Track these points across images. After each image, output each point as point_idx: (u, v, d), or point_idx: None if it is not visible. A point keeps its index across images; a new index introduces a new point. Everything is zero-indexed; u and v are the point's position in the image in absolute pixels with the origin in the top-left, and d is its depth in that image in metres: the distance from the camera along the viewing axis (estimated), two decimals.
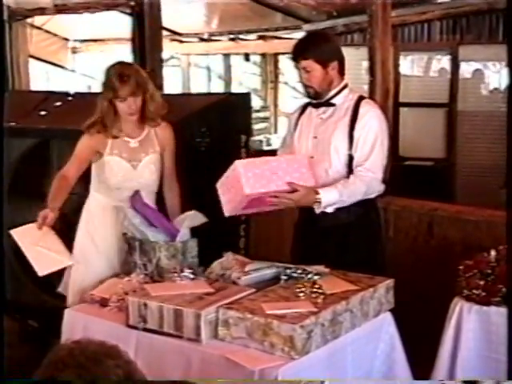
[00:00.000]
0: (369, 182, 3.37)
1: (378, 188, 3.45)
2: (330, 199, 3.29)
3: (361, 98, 3.49)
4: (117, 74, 3.43)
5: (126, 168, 3.50)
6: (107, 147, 3.50)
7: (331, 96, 3.47)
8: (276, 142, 8.46)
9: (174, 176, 3.64)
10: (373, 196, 3.46)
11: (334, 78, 3.48)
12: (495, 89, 7.00)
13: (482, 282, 2.98)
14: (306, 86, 3.52)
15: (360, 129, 3.40)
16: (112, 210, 3.50)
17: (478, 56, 6.85)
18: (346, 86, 3.52)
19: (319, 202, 3.27)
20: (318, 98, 3.50)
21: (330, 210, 3.34)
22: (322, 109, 3.51)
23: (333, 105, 3.49)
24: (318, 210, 3.33)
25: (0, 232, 4.18)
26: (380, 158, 3.43)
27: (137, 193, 3.37)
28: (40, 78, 9.11)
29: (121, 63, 3.61)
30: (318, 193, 3.26)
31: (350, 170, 3.42)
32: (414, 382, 3.10)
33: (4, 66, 6.34)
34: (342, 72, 3.52)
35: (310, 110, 3.57)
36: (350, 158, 3.42)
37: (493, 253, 3.10)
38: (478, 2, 7.41)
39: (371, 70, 4.18)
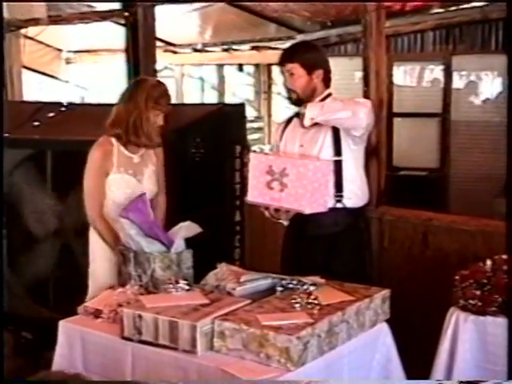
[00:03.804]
0: (352, 109, 3.35)
1: (362, 110, 3.38)
2: (311, 111, 3.33)
3: None
4: (163, 89, 3.57)
5: (134, 183, 3.55)
6: (114, 166, 3.52)
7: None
8: None
9: (164, 189, 3.68)
10: (357, 133, 3.45)
11: (317, 85, 3.56)
12: (488, 99, 7.02)
13: (477, 292, 2.98)
14: (289, 91, 3.61)
15: None
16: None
17: (471, 66, 6.87)
18: (329, 95, 3.57)
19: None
20: (300, 105, 3.54)
21: (313, 120, 3.35)
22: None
23: None
24: (306, 123, 3.38)
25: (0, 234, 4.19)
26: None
27: (137, 199, 3.33)
28: (33, 89, 9.08)
29: (156, 80, 3.82)
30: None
31: (336, 174, 3.44)
32: (411, 382, 3.09)
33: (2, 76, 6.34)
34: (326, 82, 3.60)
35: (295, 120, 3.62)
36: (336, 164, 3.45)
37: (488, 262, 3.09)
38: (471, 12, 7.44)
39: (365, 80, 4.18)
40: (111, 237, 3.44)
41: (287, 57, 3.61)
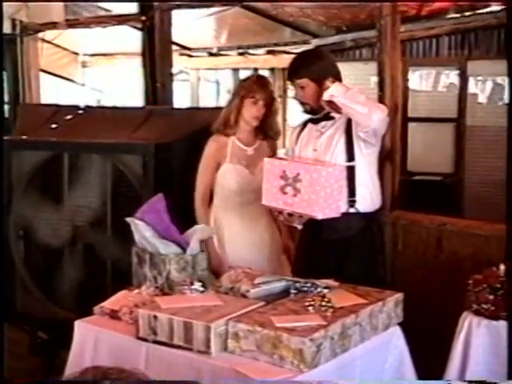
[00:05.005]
0: (369, 108, 3.33)
1: (377, 114, 3.35)
2: (335, 89, 3.31)
3: None
4: (256, 79, 3.97)
5: (245, 173, 3.85)
6: (227, 157, 3.84)
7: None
8: None
9: None
10: (362, 132, 3.42)
11: None
12: (503, 104, 7.00)
13: (491, 297, 2.98)
14: (302, 103, 3.60)
15: None
16: (234, 211, 3.86)
17: (486, 71, 6.86)
18: None
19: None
20: (315, 114, 3.55)
21: (332, 97, 3.32)
22: (322, 123, 3.57)
23: (332, 118, 3.54)
24: (324, 97, 3.35)
25: (0, 235, 4.22)
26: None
27: (153, 201, 3.36)
28: (50, 92, 9.15)
29: (260, 75, 4.21)
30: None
31: (349, 180, 3.44)
32: (422, 382, 3.10)
33: (2, 78, 6.40)
34: None
35: (310, 125, 3.63)
36: (349, 169, 3.45)
37: (502, 267, 3.10)
38: (487, 17, 7.42)
39: (380, 85, 4.19)
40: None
41: (294, 72, 3.59)
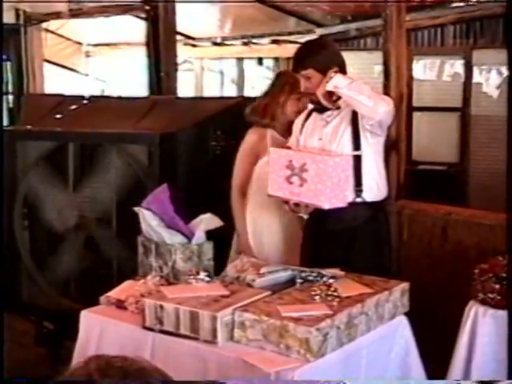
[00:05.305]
0: (375, 100, 3.31)
1: (383, 106, 3.33)
2: (339, 80, 3.31)
3: None
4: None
5: None
6: (267, 150, 3.75)
7: (335, 100, 3.49)
8: None
9: None
10: (367, 124, 3.40)
11: None
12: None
13: (497, 286, 2.99)
14: (308, 94, 3.57)
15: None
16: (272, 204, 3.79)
17: (491, 60, 6.83)
18: None
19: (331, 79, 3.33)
20: (320, 104, 3.53)
21: (336, 88, 3.31)
22: (327, 113, 3.55)
23: (337, 107, 3.52)
24: (327, 87, 3.34)
25: (0, 231, 4.23)
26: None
27: (159, 191, 3.37)
28: (54, 82, 9.14)
29: None
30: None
31: (355, 170, 3.44)
32: (429, 382, 3.10)
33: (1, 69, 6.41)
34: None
35: (314, 114, 3.62)
36: (355, 158, 3.44)
37: (508, 256, 3.10)
38: (492, 6, 7.39)
39: (385, 74, 4.18)
40: (241, 218, 3.86)
41: (300, 63, 3.56)
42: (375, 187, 3.55)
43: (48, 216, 4.33)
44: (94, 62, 10.41)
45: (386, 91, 4.14)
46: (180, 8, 5.74)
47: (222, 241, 3.54)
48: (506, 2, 4.53)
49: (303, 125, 3.69)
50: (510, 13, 3.69)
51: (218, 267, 3.28)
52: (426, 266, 4.01)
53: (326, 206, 3.28)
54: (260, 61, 10.74)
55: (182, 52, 8.80)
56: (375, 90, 3.46)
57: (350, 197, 3.42)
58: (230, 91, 11.30)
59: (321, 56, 3.53)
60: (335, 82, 3.30)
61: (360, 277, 3.08)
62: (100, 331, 3.00)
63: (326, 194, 3.25)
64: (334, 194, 3.27)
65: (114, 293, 3.15)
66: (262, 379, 2.47)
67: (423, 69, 7.24)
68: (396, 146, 4.15)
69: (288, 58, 10.52)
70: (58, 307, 4.31)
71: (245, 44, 9.70)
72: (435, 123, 7.11)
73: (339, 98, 3.44)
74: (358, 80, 3.38)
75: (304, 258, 3.65)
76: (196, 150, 3.90)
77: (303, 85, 3.58)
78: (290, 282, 3.05)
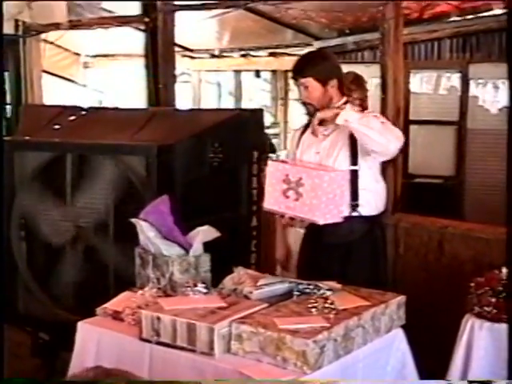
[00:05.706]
0: (386, 138, 3.29)
1: (395, 144, 3.31)
2: (350, 114, 3.28)
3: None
4: (354, 78, 4.23)
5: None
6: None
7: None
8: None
9: None
10: (391, 151, 3.35)
11: (333, 95, 3.55)
12: (505, 107, 7.01)
13: (493, 300, 3.00)
14: (305, 104, 3.59)
15: None
16: None
17: (487, 74, 6.87)
18: (347, 103, 3.57)
19: (339, 115, 3.29)
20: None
21: (347, 122, 3.27)
22: (325, 126, 3.55)
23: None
24: (338, 121, 3.30)
25: (0, 235, 4.22)
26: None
27: (157, 202, 3.37)
28: (52, 93, 9.16)
29: (357, 74, 4.44)
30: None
31: (352, 183, 3.45)
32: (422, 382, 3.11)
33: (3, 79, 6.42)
34: (341, 89, 3.58)
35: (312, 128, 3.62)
36: (352, 173, 3.45)
37: (504, 270, 3.11)
38: (488, 21, 7.44)
39: (383, 88, 4.21)
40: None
41: (300, 71, 3.58)
42: (372, 202, 3.56)
43: (45, 227, 4.32)
44: (91, 73, 10.44)
45: (384, 104, 4.16)
46: (178, 20, 5.76)
47: (219, 252, 3.54)
48: (507, 13, 4.55)
49: (300, 138, 3.71)
50: (511, 24, 3.70)
51: (215, 279, 3.28)
52: (422, 279, 4.02)
53: (321, 222, 3.28)
54: (257, 73, 10.80)
55: (180, 64, 8.84)
56: (385, 122, 3.40)
57: (346, 211, 3.42)
58: (228, 103, 11.34)
59: (321, 66, 3.56)
60: (346, 116, 3.28)
61: (357, 289, 3.09)
62: (97, 343, 3.00)
63: (320, 209, 3.25)
64: (328, 210, 3.27)
65: (111, 304, 3.15)
66: None
67: (420, 82, 7.28)
68: (392, 159, 4.15)
69: (285, 71, 10.60)
70: (54, 318, 4.30)
71: (242, 56, 9.75)
72: (432, 136, 7.14)
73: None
74: (370, 113, 3.39)
75: (301, 271, 3.66)
76: (194, 162, 3.90)
77: (302, 93, 3.59)
78: (287, 295, 3.05)
